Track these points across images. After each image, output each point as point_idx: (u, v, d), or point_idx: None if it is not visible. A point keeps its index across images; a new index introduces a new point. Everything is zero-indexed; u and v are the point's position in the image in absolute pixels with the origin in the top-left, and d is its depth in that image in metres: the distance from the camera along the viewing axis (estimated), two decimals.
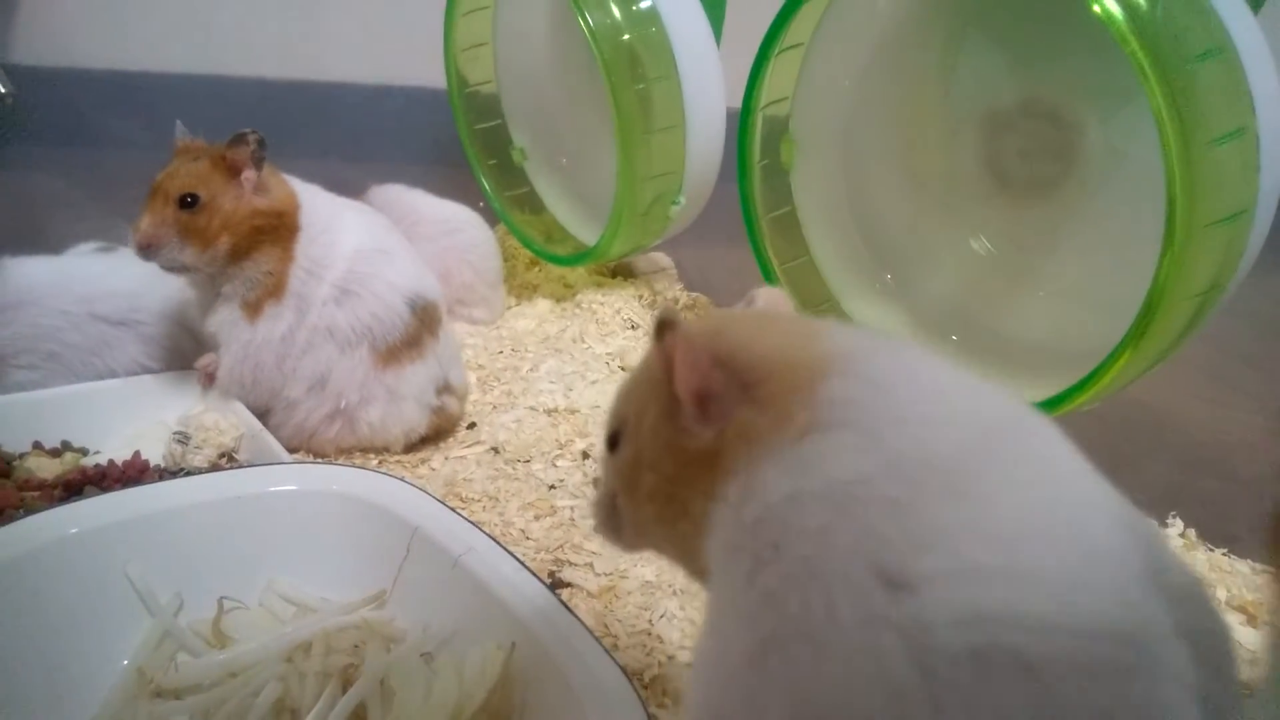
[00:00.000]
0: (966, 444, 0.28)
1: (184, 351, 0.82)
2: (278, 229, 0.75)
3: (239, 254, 0.74)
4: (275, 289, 0.76)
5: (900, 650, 0.24)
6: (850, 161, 0.96)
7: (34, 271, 0.79)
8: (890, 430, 0.28)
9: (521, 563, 0.52)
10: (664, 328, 0.33)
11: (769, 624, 0.27)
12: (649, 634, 0.59)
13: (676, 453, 0.34)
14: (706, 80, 1.04)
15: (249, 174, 0.74)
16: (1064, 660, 0.24)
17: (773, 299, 0.41)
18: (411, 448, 0.82)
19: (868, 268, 0.95)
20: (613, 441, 0.38)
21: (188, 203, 0.71)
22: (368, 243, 0.80)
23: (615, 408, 0.38)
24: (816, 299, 0.94)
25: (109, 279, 0.81)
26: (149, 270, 0.84)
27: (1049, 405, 0.70)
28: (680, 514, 0.34)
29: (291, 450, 0.80)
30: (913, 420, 0.29)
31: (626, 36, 0.99)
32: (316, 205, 0.79)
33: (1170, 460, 0.88)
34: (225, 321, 0.77)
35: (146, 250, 0.72)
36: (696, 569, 0.35)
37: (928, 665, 0.24)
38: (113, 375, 0.79)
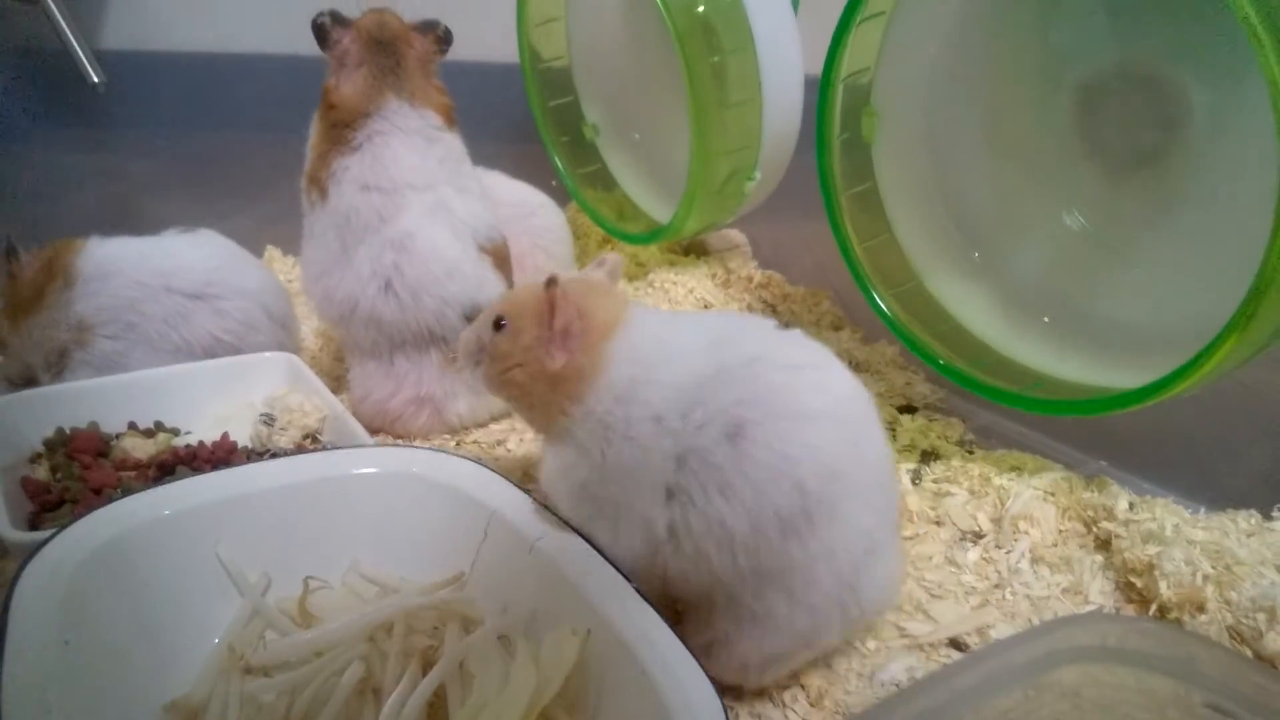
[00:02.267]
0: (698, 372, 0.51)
1: (259, 328, 0.84)
2: (325, 108, 0.80)
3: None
4: (316, 179, 0.79)
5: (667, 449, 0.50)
6: (935, 134, 0.92)
7: (118, 247, 0.82)
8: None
9: (596, 548, 0.52)
10: (550, 283, 0.52)
11: (597, 461, 0.52)
12: None
13: (538, 365, 0.53)
14: (784, 51, 1.01)
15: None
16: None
17: (615, 264, 0.61)
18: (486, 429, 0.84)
19: (954, 245, 0.92)
20: (498, 324, 0.56)
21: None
22: (425, 245, 0.77)
23: (504, 304, 0.57)
24: (899, 278, 0.91)
25: (185, 254, 0.83)
26: (226, 248, 0.87)
27: (1148, 392, 0.67)
28: (531, 401, 0.55)
29: (374, 431, 0.81)
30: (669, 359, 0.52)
31: (701, 8, 0.96)
32: (400, 160, 0.78)
33: (1276, 446, 0.82)
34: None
35: None
36: (535, 426, 0.57)
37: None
38: (188, 347, 0.81)
